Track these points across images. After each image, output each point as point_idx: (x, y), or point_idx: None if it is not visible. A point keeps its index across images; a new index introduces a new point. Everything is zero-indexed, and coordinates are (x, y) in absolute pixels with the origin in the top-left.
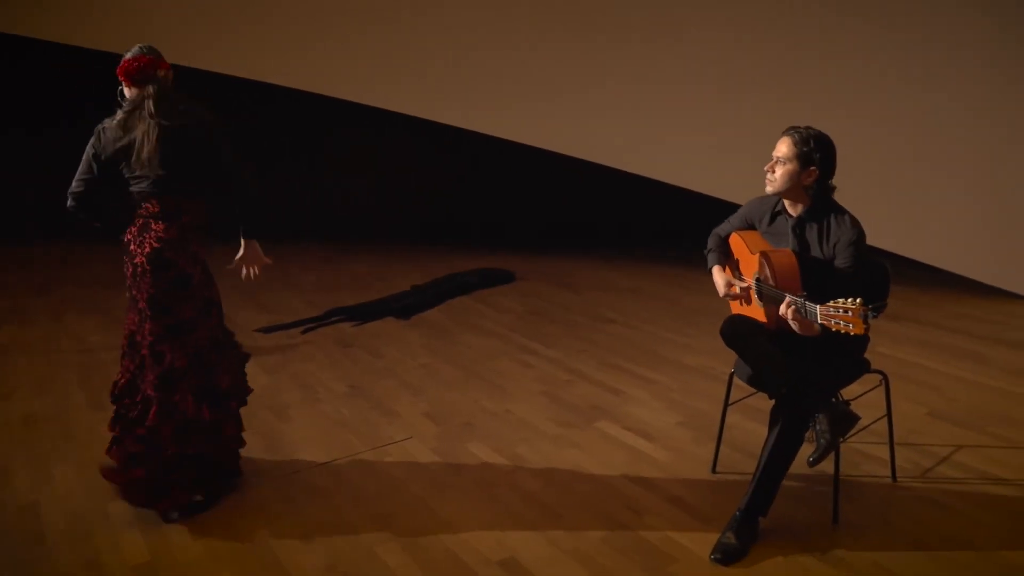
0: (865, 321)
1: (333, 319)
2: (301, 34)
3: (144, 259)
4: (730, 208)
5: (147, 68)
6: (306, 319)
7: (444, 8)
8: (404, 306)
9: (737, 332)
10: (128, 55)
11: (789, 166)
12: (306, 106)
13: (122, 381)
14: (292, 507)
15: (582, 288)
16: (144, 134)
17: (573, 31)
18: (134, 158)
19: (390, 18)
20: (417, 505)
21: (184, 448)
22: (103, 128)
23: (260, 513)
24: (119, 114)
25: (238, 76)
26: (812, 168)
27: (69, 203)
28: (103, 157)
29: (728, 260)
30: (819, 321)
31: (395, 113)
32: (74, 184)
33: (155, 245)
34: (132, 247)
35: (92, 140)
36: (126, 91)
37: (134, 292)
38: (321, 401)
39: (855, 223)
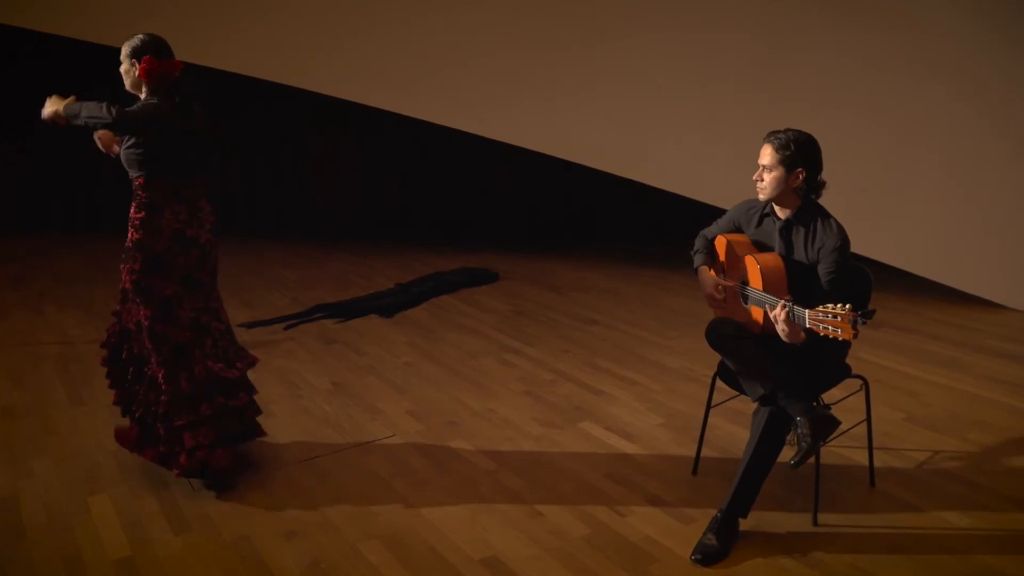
0: (854, 327)
1: (316, 316)
2: (300, 32)
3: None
4: (714, 211)
5: (180, 75)
6: (289, 315)
7: (429, 13)
8: (388, 304)
9: (722, 335)
10: (158, 57)
11: (776, 172)
12: (288, 102)
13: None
14: (274, 503)
15: (565, 289)
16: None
17: (556, 34)
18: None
19: (384, 20)
20: (400, 503)
21: (228, 400)
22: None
23: (241, 509)
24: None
25: (231, 72)
26: (799, 170)
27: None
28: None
29: (714, 262)
30: (807, 325)
31: (378, 110)
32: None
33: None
34: (190, 231)
35: (166, 106)
36: (143, 88)
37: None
38: (303, 397)
39: (840, 229)
